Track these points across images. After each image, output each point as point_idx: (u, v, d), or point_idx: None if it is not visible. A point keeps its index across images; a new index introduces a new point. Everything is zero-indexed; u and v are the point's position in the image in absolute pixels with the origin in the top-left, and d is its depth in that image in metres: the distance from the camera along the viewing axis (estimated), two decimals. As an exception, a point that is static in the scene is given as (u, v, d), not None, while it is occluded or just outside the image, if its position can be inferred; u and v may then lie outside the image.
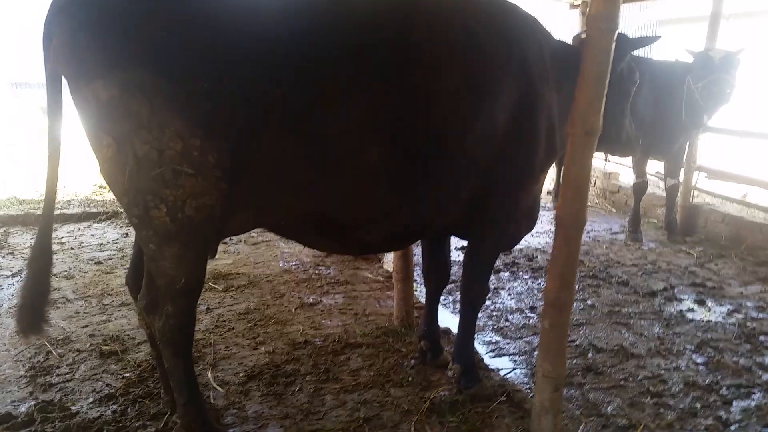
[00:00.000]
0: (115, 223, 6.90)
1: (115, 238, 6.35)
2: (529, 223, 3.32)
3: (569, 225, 2.47)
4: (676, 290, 5.38)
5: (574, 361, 3.94)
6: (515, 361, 4.01)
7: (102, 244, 6.16)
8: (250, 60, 2.20)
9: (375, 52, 2.46)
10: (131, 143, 2.15)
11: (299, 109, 2.30)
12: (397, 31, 2.52)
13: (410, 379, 3.55)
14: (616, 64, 3.27)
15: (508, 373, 3.79)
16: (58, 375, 3.54)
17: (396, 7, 2.62)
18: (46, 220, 2.51)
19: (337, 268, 5.49)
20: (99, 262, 5.56)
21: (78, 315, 4.42)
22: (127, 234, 6.51)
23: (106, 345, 3.90)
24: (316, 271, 5.41)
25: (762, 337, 4.42)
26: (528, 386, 3.65)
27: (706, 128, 6.47)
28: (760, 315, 4.86)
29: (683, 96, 6.17)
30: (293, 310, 4.54)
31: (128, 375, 3.52)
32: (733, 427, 3.29)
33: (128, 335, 4.07)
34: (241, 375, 3.55)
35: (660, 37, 3.45)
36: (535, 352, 4.09)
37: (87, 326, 4.22)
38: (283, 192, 2.45)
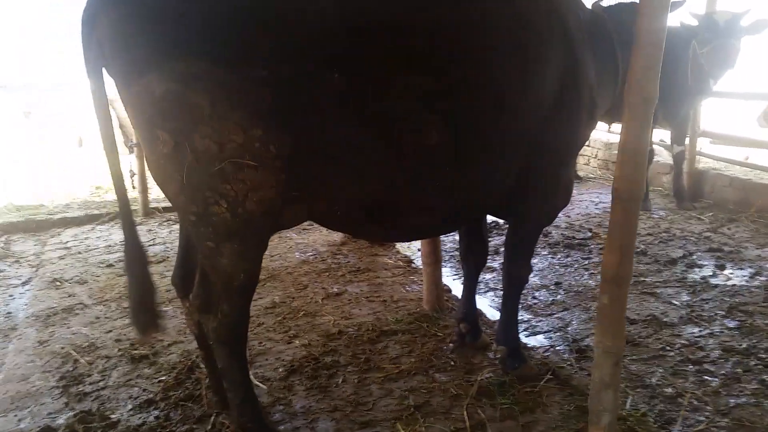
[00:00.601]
0: (119, 224, 6.74)
1: (123, 239, 6.20)
2: (566, 197, 3.26)
3: (628, 197, 2.41)
4: (695, 257, 5.39)
5: (610, 334, 3.92)
6: (551, 338, 3.98)
7: (110, 246, 6.03)
8: (307, 46, 2.11)
9: (429, 31, 2.38)
10: (190, 138, 2.05)
11: (358, 92, 2.22)
12: (448, 9, 2.44)
13: (453, 363, 3.52)
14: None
15: (546, 351, 3.76)
16: (90, 383, 3.44)
17: None
18: (126, 218, 2.48)
19: (356, 256, 5.43)
20: (110, 265, 5.44)
21: (99, 320, 4.31)
22: (133, 234, 6.37)
23: (135, 349, 3.81)
24: (335, 261, 5.34)
25: (788, 298, 4.44)
26: (569, 362, 3.62)
27: (711, 93, 6.44)
28: (782, 276, 4.88)
29: (688, 61, 6.13)
30: (320, 300, 4.48)
31: (164, 378, 3.44)
32: (778, 390, 3.29)
33: (156, 338, 3.97)
34: (280, 370, 3.48)
35: (685, 1, 3.39)
36: (569, 328, 4.09)
37: (111, 331, 4.12)
38: (344, 179, 2.37)
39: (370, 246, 5.64)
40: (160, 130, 2.07)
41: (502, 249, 5.50)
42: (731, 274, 4.99)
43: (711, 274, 4.99)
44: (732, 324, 4.07)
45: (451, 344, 3.72)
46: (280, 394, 3.25)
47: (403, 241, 3.71)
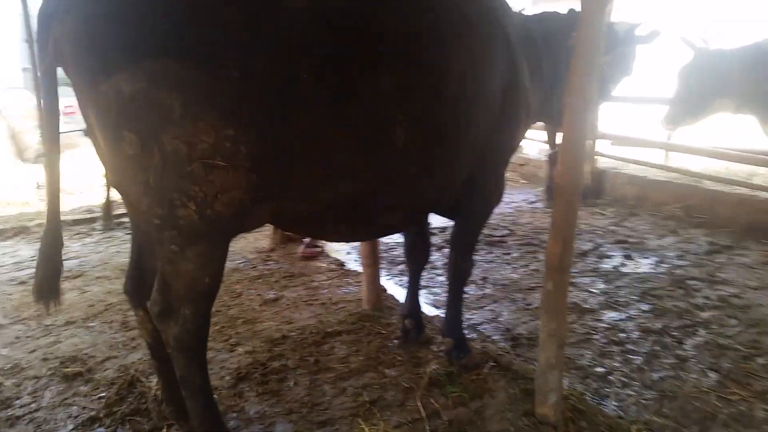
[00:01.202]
0: (25, 239, 6.33)
1: (32, 255, 5.82)
2: (501, 195, 3.45)
3: (570, 191, 2.61)
4: (604, 248, 5.83)
5: (538, 323, 4.17)
6: (485, 329, 4.17)
7: (19, 262, 5.64)
8: (278, 45, 2.13)
9: (394, 33, 2.46)
10: (158, 139, 2.01)
11: (326, 93, 2.26)
12: (411, 16, 2.54)
13: (400, 358, 3.61)
14: (567, 40, 3.48)
15: (483, 341, 3.94)
16: (21, 406, 3.23)
17: None
18: (52, 210, 2.35)
19: (287, 262, 5.41)
20: (23, 282, 5.09)
21: (20, 340, 4.04)
22: (43, 250, 6.00)
23: (66, 367, 3.61)
24: (267, 267, 5.30)
25: (689, 282, 4.91)
26: (506, 350, 3.82)
27: (610, 98, 6.95)
28: (682, 262, 5.38)
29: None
30: (257, 307, 4.43)
31: (104, 394, 3.29)
32: (690, 363, 3.64)
33: (86, 354, 3.79)
34: (227, 378, 3.43)
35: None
36: (501, 318, 4.31)
37: (35, 351, 3.87)
38: (314, 179, 2.40)
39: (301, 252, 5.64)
40: (126, 131, 2.01)
41: (433, 248, 5.73)
42: (639, 262, 5.43)
43: (620, 263, 5.42)
44: (645, 307, 4.45)
45: (396, 340, 3.82)
46: (231, 401, 3.20)
47: (369, 239, 3.73)
